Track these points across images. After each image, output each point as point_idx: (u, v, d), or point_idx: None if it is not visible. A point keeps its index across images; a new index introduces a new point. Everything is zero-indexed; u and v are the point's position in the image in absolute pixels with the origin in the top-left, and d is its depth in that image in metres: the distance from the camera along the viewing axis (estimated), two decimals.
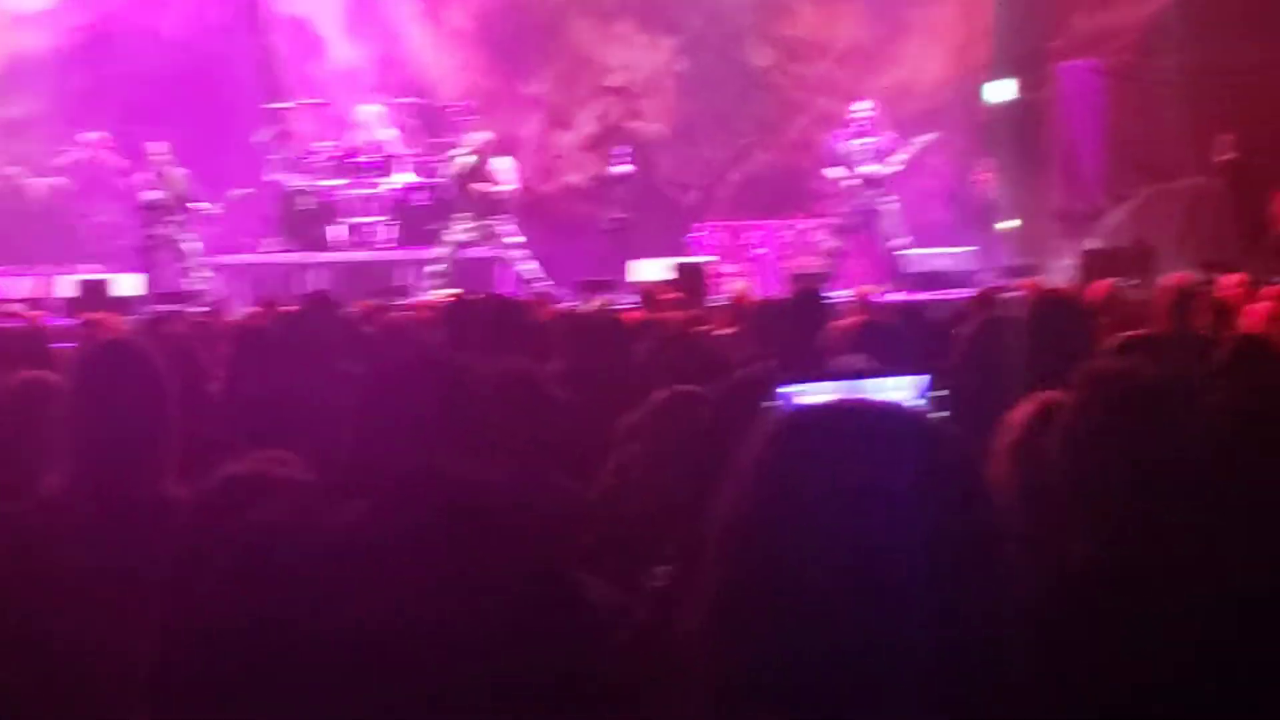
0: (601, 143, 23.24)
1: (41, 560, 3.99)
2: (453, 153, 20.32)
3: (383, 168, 21.04)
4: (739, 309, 12.65)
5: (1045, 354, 6.95)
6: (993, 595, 2.06)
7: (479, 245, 19.82)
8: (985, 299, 11.34)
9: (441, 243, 19.83)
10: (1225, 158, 19.82)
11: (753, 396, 3.13)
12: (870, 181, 19.62)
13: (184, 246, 19.97)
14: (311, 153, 21.59)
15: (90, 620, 3.85)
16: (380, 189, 21.07)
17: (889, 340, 9.35)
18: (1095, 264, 18.17)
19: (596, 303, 14.68)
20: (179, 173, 20.04)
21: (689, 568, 2.86)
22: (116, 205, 22.37)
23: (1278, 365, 6.06)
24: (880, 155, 19.66)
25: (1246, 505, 3.47)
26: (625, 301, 15.83)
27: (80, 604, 3.90)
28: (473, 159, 19.66)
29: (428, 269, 19.77)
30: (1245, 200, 19.45)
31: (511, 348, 7.96)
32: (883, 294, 17.45)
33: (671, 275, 18.26)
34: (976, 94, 23.08)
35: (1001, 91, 23.10)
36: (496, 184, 19.66)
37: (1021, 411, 5.00)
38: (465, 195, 19.74)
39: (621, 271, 19.39)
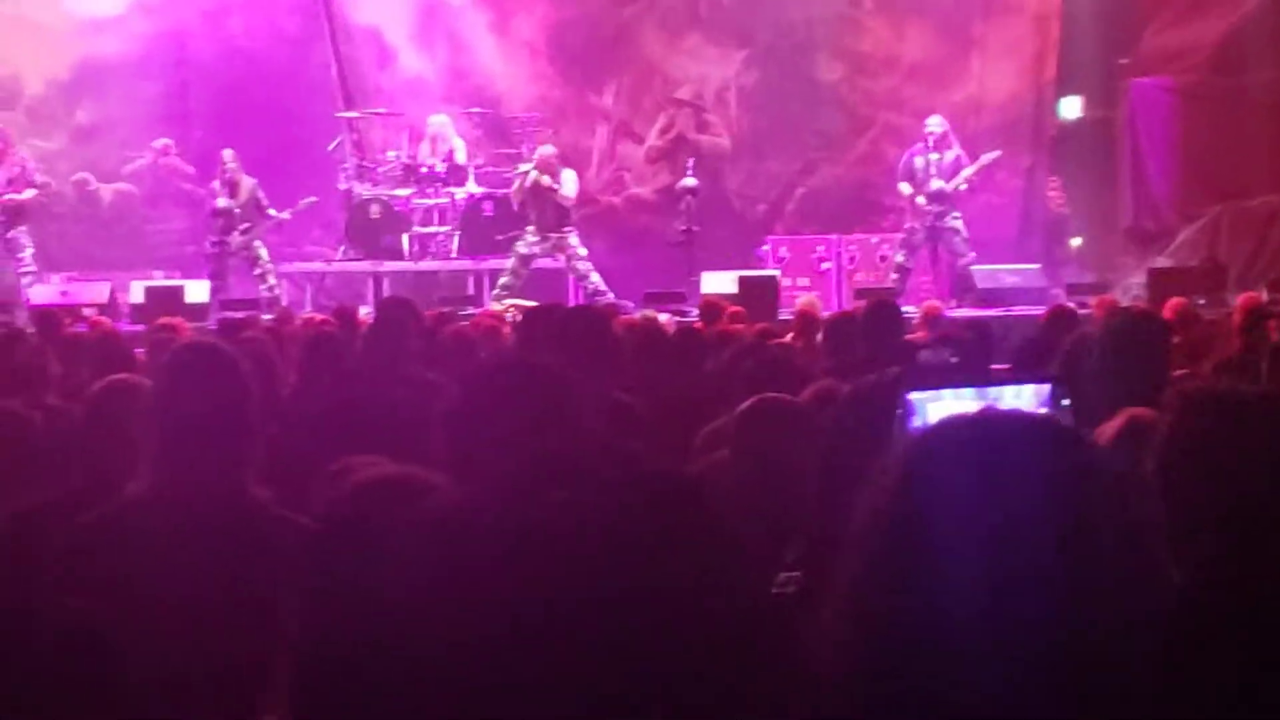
0: (669, 155, 23.23)
1: (129, 562, 4.00)
2: (521, 165, 20.35)
3: (450, 178, 21.06)
4: (806, 322, 12.62)
5: (1123, 371, 6.90)
6: (1142, 619, 2.01)
7: (546, 256, 19.82)
8: (1058, 316, 11.28)
9: (509, 253, 19.85)
10: None
11: (880, 403, 3.09)
12: (938, 197, 19.55)
13: (253, 254, 20.05)
14: (381, 162, 21.63)
15: (178, 622, 3.86)
16: (448, 199, 21.10)
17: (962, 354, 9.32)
18: (1164, 282, 18.08)
19: (646, 314, 14.70)
20: (249, 180, 20.13)
21: (817, 576, 2.84)
22: (185, 212, 22.51)
23: None
24: (947, 171, 19.59)
25: None
26: (689, 315, 15.83)
27: (168, 605, 3.91)
28: (538, 170, 19.66)
29: (498, 280, 19.77)
30: None
31: (583, 358, 7.97)
32: (950, 309, 17.42)
33: (737, 288, 18.23)
34: (1046, 110, 22.98)
35: (1071, 108, 23.01)
36: (562, 195, 19.66)
37: (1109, 428, 4.96)
38: (531, 206, 19.75)
39: (688, 284, 19.35)
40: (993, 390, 3.05)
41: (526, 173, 19.85)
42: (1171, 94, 22.17)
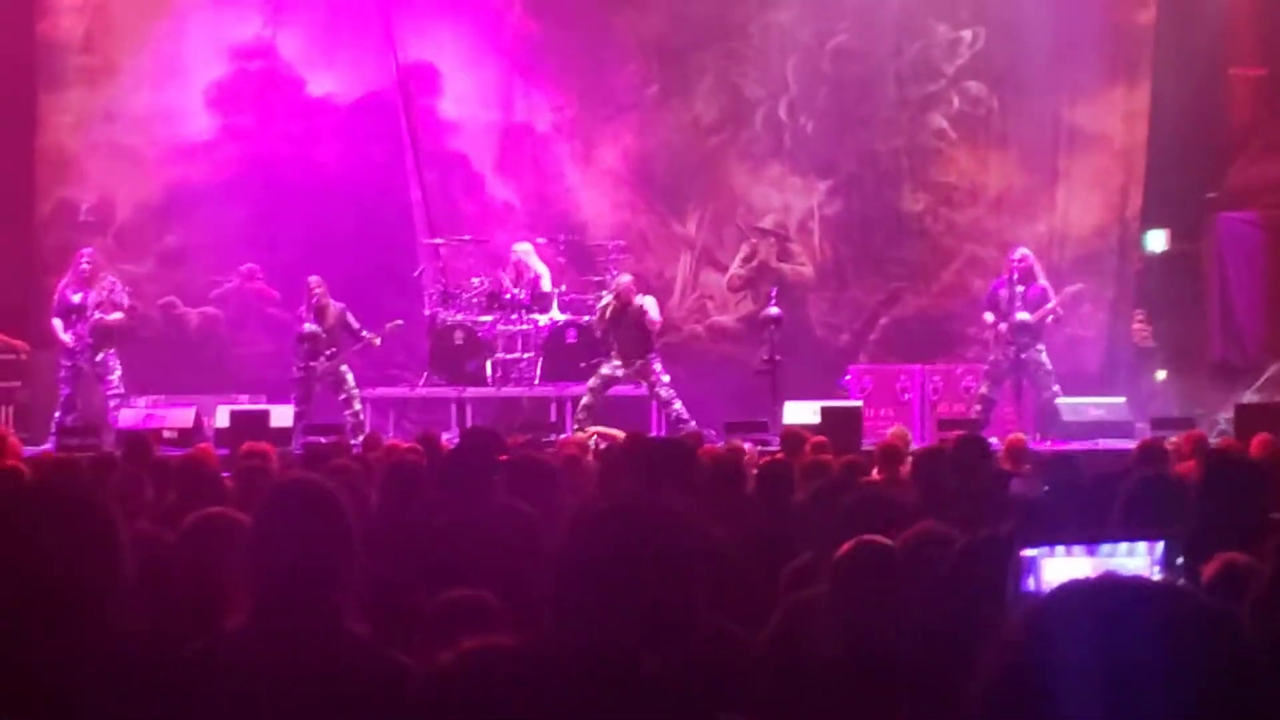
0: (752, 283, 23.29)
1: (231, 697, 3.99)
2: (603, 293, 20.43)
3: (534, 304, 21.15)
4: (890, 454, 12.55)
5: (1217, 513, 6.84)
6: None
7: (629, 382, 19.85)
8: (1147, 451, 11.19)
9: (590, 380, 19.89)
10: None
11: (992, 558, 3.06)
12: (1022, 329, 19.52)
13: (339, 378, 20.15)
14: (465, 288, 21.74)
15: None
16: (531, 325, 21.18)
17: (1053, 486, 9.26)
18: (1251, 418, 17.91)
19: (732, 444, 14.66)
20: (335, 305, 20.26)
21: None
22: (270, 335, 22.67)
23: None
24: (1032, 303, 19.56)
25: None
26: (772, 444, 15.79)
27: None
28: (619, 297, 19.74)
29: (580, 401, 19.81)
30: None
31: (666, 487, 7.96)
32: (1034, 442, 17.30)
33: (820, 418, 18.18)
34: (1131, 243, 22.92)
35: (1157, 241, 22.94)
36: (644, 322, 19.71)
37: (1206, 571, 4.89)
38: (613, 332, 19.82)
39: (771, 413, 19.32)
40: (1105, 548, 3.02)
41: (607, 296, 19.96)
42: (1259, 228, 22.10)
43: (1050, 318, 19.75)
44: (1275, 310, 21.78)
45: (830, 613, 4.74)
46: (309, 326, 20.14)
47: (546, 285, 21.40)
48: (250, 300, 23.32)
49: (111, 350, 19.99)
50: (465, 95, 23.78)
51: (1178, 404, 21.22)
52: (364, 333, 20.25)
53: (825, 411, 18.63)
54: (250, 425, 18.16)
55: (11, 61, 22.83)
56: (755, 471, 10.30)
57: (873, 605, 4.29)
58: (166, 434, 17.83)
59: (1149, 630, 1.96)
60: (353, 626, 4.22)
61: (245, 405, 20.23)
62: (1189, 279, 22.75)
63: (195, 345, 23.12)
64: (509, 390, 21.05)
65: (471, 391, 20.85)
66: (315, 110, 23.70)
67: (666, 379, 19.86)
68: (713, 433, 18.11)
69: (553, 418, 20.40)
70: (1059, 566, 2.69)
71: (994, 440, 14.77)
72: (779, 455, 12.40)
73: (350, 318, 20.24)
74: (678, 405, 19.57)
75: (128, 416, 19.33)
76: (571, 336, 21.08)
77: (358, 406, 20.16)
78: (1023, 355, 19.66)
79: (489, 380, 21.00)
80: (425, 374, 21.29)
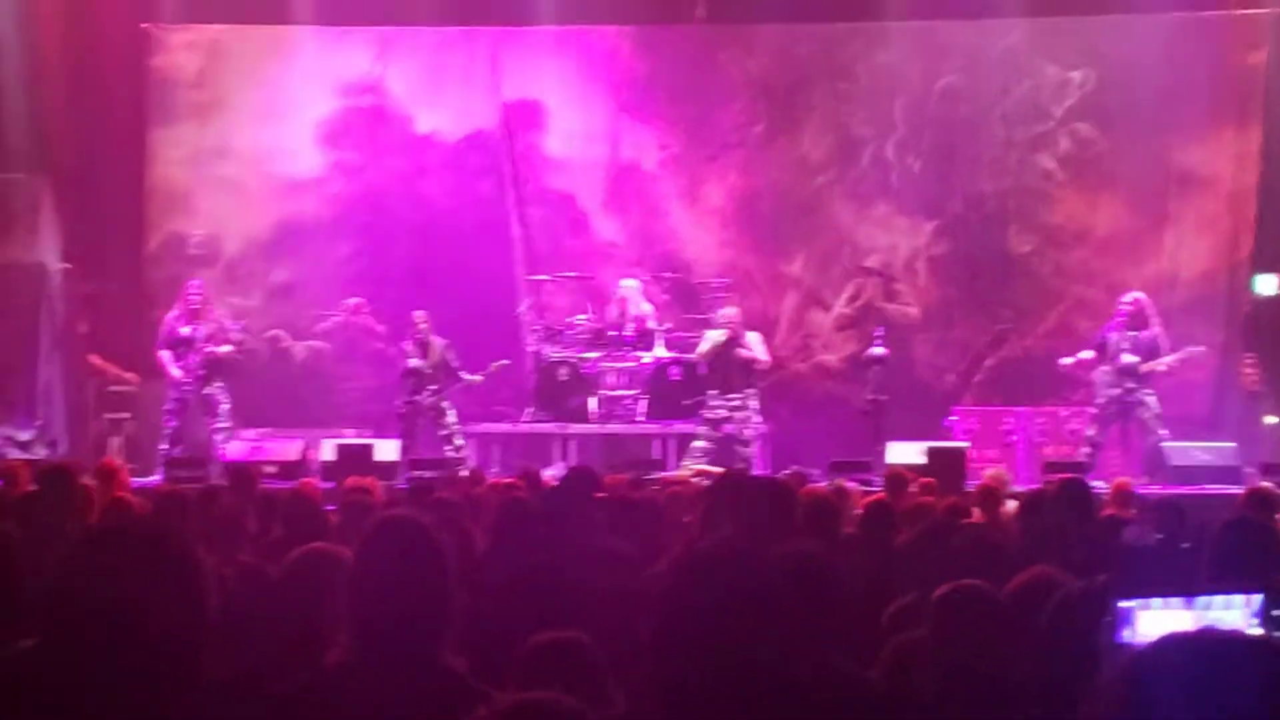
0: (857, 323, 23.23)
1: None
2: (709, 332, 20.40)
3: (639, 342, 21.19)
4: (989, 495, 12.48)
5: None
6: None
7: (733, 422, 19.80)
8: (1257, 497, 11.05)
9: (695, 418, 19.88)
10: None
11: (1090, 610, 3.03)
12: (1131, 373, 19.37)
13: (442, 414, 20.25)
14: (569, 325, 21.79)
15: None
16: (635, 362, 21.21)
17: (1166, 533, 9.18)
18: None
19: (837, 484, 14.58)
20: (440, 341, 20.38)
21: None
22: (375, 370, 22.81)
23: None
24: (1144, 348, 19.42)
25: None
26: (874, 484, 15.71)
27: None
28: (725, 335, 19.74)
29: (691, 444, 19.75)
30: None
31: (772, 528, 7.93)
32: (1141, 486, 17.14)
33: (925, 459, 18.09)
34: (1240, 287, 22.69)
35: (1267, 285, 22.68)
36: (749, 360, 19.71)
37: None
38: (717, 368, 19.81)
39: (874, 453, 19.25)
40: (1201, 600, 2.98)
41: (712, 334, 19.95)
42: None
43: (1161, 367, 19.59)
44: None
45: (929, 656, 4.72)
46: (413, 362, 20.28)
47: (652, 323, 21.44)
48: (356, 335, 23.47)
49: (221, 383, 20.14)
50: (572, 133, 23.88)
51: None
52: (462, 373, 20.34)
53: (931, 452, 18.54)
54: (355, 459, 18.27)
55: (124, 96, 23.15)
56: (859, 511, 10.27)
57: (973, 650, 4.26)
58: (268, 467, 17.92)
59: (1246, 687, 1.95)
60: (450, 662, 4.23)
61: (350, 439, 20.35)
62: None
63: (301, 379, 23.29)
64: (613, 427, 21.07)
65: (575, 428, 20.88)
66: (422, 147, 23.87)
67: (758, 419, 19.83)
68: (816, 472, 18.04)
69: (657, 455, 20.40)
70: (1155, 619, 2.66)
71: (1100, 484, 14.67)
72: (881, 495, 12.34)
73: (452, 355, 20.34)
74: (748, 450, 19.46)
75: (234, 449, 19.50)
76: (675, 374, 21.08)
77: (460, 442, 20.24)
78: (1131, 398, 19.51)
79: (593, 417, 21.02)
80: (529, 410, 21.35)
